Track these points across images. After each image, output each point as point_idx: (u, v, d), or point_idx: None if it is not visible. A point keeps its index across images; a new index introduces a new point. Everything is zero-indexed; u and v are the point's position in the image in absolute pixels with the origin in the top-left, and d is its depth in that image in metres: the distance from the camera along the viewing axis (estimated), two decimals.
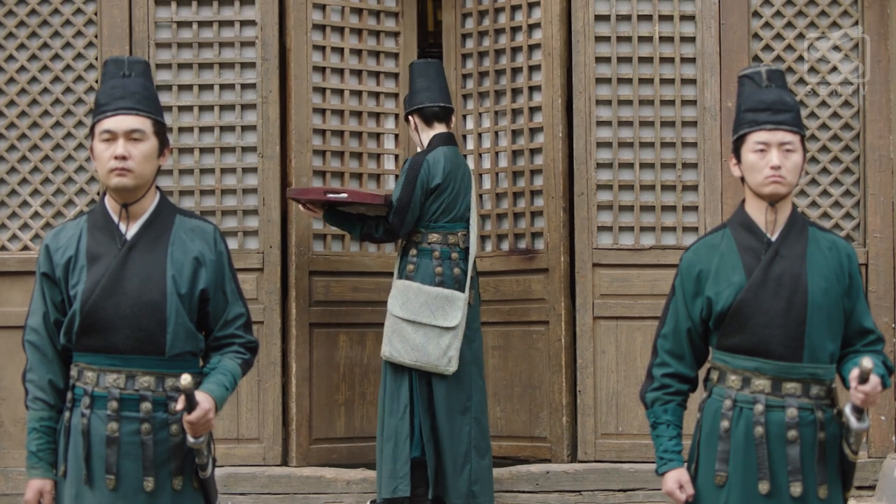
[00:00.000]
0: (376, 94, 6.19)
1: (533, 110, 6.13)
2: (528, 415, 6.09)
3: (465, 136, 6.24)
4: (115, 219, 3.37)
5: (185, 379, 3.11)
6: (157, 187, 3.46)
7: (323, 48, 6.16)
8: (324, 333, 6.09)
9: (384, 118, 6.17)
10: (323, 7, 6.16)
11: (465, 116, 6.25)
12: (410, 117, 5.68)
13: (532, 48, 6.14)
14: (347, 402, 6.07)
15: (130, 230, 3.37)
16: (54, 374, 3.38)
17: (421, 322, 5.45)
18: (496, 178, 6.20)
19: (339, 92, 6.17)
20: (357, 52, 6.18)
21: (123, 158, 3.28)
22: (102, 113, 3.33)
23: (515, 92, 6.15)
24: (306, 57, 6.11)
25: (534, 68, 6.14)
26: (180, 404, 3.21)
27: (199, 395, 3.24)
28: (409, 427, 5.46)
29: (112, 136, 3.30)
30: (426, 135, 5.63)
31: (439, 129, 5.62)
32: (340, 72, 6.18)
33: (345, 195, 5.56)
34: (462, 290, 5.50)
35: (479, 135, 6.22)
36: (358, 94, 6.18)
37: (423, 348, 5.43)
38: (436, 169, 5.52)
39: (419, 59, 5.87)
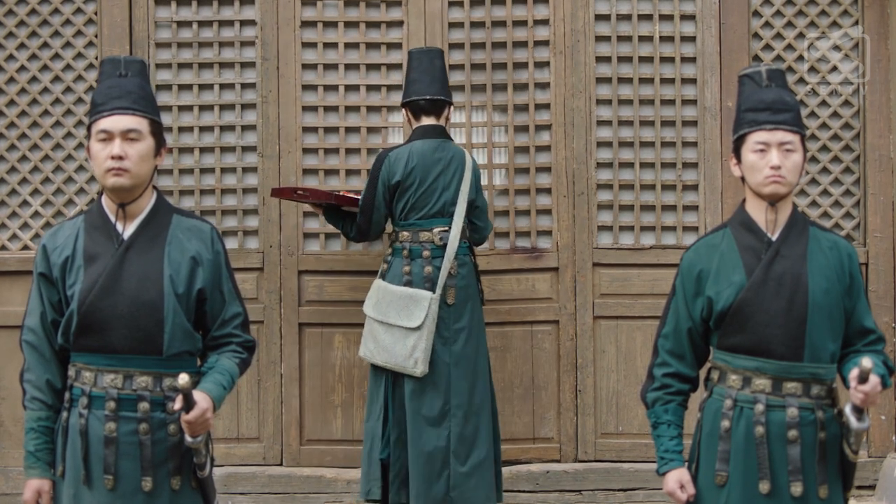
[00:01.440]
0: (378, 88, 6.16)
1: (539, 107, 6.11)
2: (530, 416, 6.07)
3: (451, 130, 6.15)
4: (112, 218, 3.38)
5: (183, 378, 3.11)
6: (154, 187, 3.46)
7: (315, 45, 6.14)
8: (317, 334, 6.07)
9: (389, 112, 6.13)
10: (314, 3, 6.14)
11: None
12: (405, 110, 5.64)
13: (538, 44, 6.11)
14: (345, 403, 6.05)
15: (127, 230, 3.38)
16: (52, 374, 3.38)
17: (389, 323, 5.38)
18: (492, 175, 6.16)
19: (335, 88, 6.15)
20: (355, 46, 6.15)
21: (120, 158, 3.28)
22: (99, 113, 3.33)
23: (517, 87, 6.13)
24: (294, 55, 6.10)
25: (539, 65, 6.11)
26: (178, 404, 3.21)
27: (197, 395, 3.24)
28: (382, 429, 5.41)
29: (109, 136, 3.31)
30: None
31: (427, 121, 5.52)
32: (336, 67, 6.15)
33: (307, 193, 5.56)
34: (433, 289, 5.38)
35: (472, 128, 6.16)
36: (356, 88, 6.15)
37: (391, 349, 5.36)
38: (396, 166, 5.42)
39: (416, 48, 5.74)
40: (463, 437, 5.36)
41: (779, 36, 6.08)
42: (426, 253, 5.41)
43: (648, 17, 6.10)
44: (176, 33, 6.12)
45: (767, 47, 6.07)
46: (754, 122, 3.45)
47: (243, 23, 6.15)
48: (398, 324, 5.36)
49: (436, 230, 5.43)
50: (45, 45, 6.09)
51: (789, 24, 6.09)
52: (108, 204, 3.39)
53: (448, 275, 5.40)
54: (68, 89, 6.09)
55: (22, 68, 6.09)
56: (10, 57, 6.09)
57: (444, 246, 5.42)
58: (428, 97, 5.49)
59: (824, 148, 6.07)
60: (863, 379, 3.22)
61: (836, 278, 3.47)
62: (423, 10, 6.11)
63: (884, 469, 5.87)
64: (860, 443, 3.43)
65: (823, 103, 6.07)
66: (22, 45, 6.09)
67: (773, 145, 3.41)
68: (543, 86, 6.11)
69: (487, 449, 5.41)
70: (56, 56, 6.09)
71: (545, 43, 6.10)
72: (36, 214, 6.10)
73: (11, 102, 6.09)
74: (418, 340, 5.32)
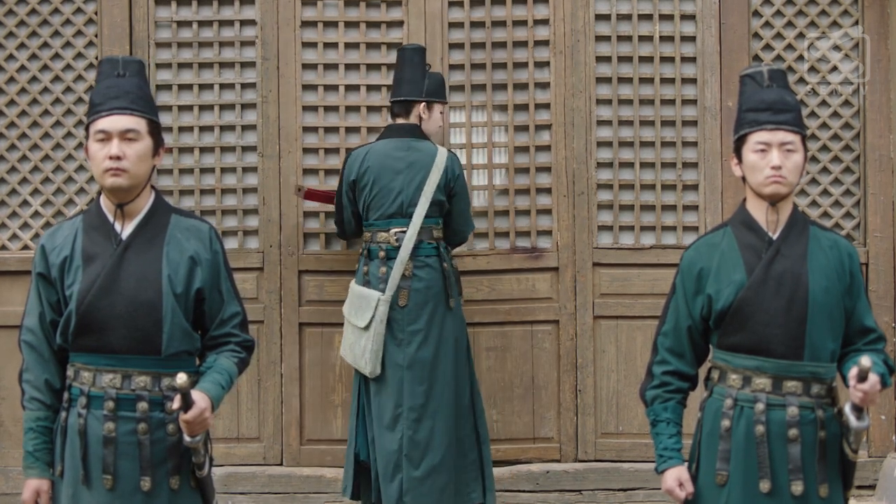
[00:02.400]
0: (378, 88, 6.15)
1: (539, 107, 6.11)
2: (530, 416, 6.07)
3: (450, 129, 6.13)
4: (111, 218, 3.38)
5: (181, 378, 3.11)
6: (153, 186, 3.46)
7: (315, 45, 6.14)
8: (317, 333, 6.08)
9: (389, 112, 6.11)
10: (314, 3, 6.14)
11: (451, 109, 6.12)
12: None
13: (538, 44, 6.10)
14: (345, 403, 6.05)
15: (126, 230, 3.38)
16: (50, 374, 3.39)
17: (350, 322, 5.43)
18: (492, 175, 6.15)
19: (335, 88, 6.15)
20: (356, 46, 6.15)
21: (118, 158, 3.29)
22: (97, 113, 3.33)
23: (517, 87, 6.12)
24: (294, 55, 6.09)
25: (539, 64, 6.11)
26: (177, 403, 3.21)
27: (196, 395, 3.24)
28: (355, 428, 5.44)
29: (107, 136, 3.31)
30: None
31: (399, 121, 5.52)
32: (337, 67, 6.15)
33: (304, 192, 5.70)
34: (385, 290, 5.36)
35: (472, 128, 6.14)
36: (356, 88, 6.15)
37: (353, 347, 5.40)
38: (353, 165, 5.44)
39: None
40: (415, 442, 5.30)
41: (779, 36, 6.08)
42: (381, 253, 5.39)
43: (648, 17, 6.10)
44: (176, 33, 6.12)
45: (767, 47, 6.07)
46: (755, 122, 3.45)
47: (243, 23, 6.15)
48: (355, 323, 5.40)
49: (392, 230, 5.39)
50: (45, 44, 6.09)
51: (789, 24, 6.08)
52: (106, 204, 3.39)
53: (402, 276, 5.35)
54: (68, 89, 6.09)
55: (22, 68, 6.09)
56: (10, 57, 6.09)
57: (400, 247, 5.38)
58: (391, 100, 5.55)
59: (824, 148, 6.07)
60: (862, 378, 3.23)
61: (837, 277, 3.47)
62: (423, 10, 6.11)
63: (884, 469, 5.87)
64: (860, 442, 3.43)
65: (823, 103, 6.07)
66: (22, 45, 6.09)
67: (774, 145, 3.42)
68: (543, 85, 6.11)
69: (443, 454, 5.33)
70: (56, 56, 6.09)
71: (545, 43, 6.10)
72: (36, 214, 6.10)
73: (11, 102, 6.09)
74: (367, 341, 5.33)
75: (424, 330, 5.36)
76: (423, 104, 5.50)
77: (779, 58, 6.03)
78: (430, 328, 5.38)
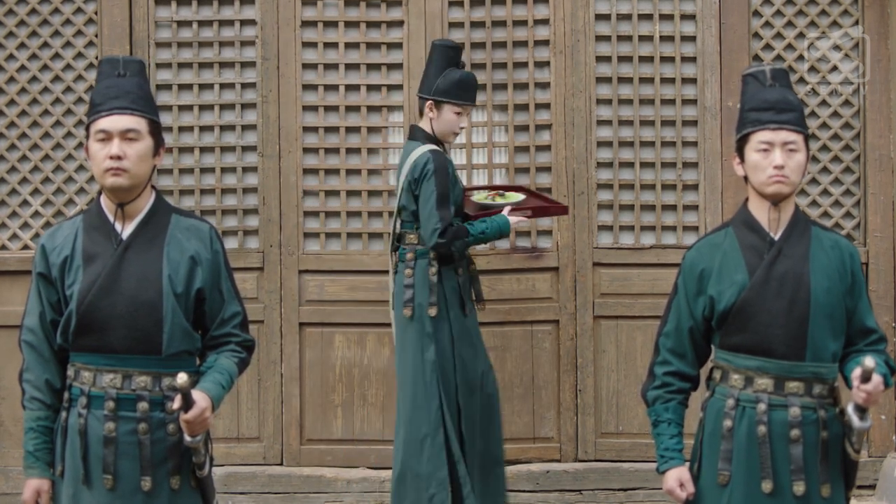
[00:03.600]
0: (379, 88, 6.15)
1: (539, 107, 6.11)
2: (530, 416, 6.07)
3: None
4: (111, 218, 3.37)
5: (182, 378, 3.10)
6: (153, 186, 3.46)
7: (315, 44, 6.14)
8: (317, 333, 6.07)
9: (389, 112, 6.13)
10: (314, 3, 6.14)
11: None
12: None
13: (538, 44, 6.10)
14: (345, 403, 6.05)
15: (126, 230, 3.37)
16: (51, 374, 3.38)
17: None
18: (493, 175, 6.15)
19: (336, 87, 6.14)
20: (356, 46, 6.15)
21: (118, 158, 3.28)
22: (97, 113, 3.32)
23: (517, 87, 6.13)
24: (294, 54, 6.10)
25: (539, 64, 6.11)
26: (177, 403, 3.20)
27: (196, 394, 3.23)
28: None
29: (107, 136, 3.30)
30: None
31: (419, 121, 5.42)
32: (337, 67, 6.15)
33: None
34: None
35: (472, 128, 6.13)
36: (356, 88, 6.15)
37: None
38: None
39: None
40: (395, 442, 5.25)
41: (779, 36, 6.08)
42: None
43: (648, 17, 6.10)
44: (176, 33, 6.12)
45: (767, 47, 6.07)
46: (758, 122, 3.44)
47: (243, 22, 6.15)
48: None
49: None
50: (46, 44, 6.09)
51: (789, 24, 6.09)
52: (106, 204, 3.39)
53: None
54: (68, 89, 6.09)
55: (22, 68, 6.09)
56: (11, 56, 6.09)
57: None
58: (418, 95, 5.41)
59: (824, 147, 6.07)
60: (865, 378, 3.22)
61: (838, 278, 3.46)
62: (423, 10, 6.11)
63: (884, 469, 5.87)
64: (861, 442, 3.43)
65: (824, 103, 6.07)
66: (22, 45, 6.09)
67: (777, 145, 3.41)
68: (543, 85, 6.11)
69: (399, 466, 5.15)
70: (56, 56, 6.09)
71: (545, 42, 6.10)
72: (36, 214, 6.10)
73: (12, 102, 6.10)
74: None
75: (395, 334, 5.31)
76: (430, 103, 5.28)
77: (779, 58, 6.04)
78: (394, 332, 5.31)
